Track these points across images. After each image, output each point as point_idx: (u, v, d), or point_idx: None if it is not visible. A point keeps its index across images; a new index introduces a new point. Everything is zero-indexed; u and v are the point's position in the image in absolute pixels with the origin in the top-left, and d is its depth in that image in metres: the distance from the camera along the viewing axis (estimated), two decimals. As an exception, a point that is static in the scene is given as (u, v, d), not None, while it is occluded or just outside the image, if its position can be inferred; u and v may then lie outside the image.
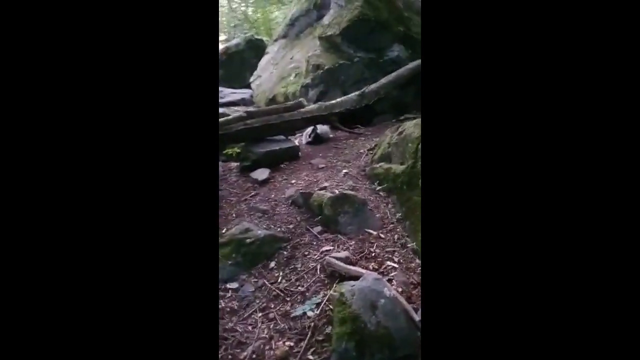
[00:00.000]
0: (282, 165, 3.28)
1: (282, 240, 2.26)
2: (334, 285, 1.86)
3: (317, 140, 3.85)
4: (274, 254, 2.19)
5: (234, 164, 3.46)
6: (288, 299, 1.85)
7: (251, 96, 6.96)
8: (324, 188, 2.72)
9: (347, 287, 1.68)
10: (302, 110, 3.70)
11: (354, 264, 1.96)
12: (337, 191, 2.64)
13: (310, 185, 2.82)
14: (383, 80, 4.33)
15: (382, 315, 1.47)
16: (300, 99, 3.57)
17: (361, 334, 1.43)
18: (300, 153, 3.49)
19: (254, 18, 13.20)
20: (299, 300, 1.83)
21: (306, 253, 2.17)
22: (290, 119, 3.57)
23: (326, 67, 4.69)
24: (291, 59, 5.94)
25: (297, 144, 3.62)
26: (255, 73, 7.21)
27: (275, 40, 7.28)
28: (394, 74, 4.40)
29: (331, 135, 4.01)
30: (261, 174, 3.03)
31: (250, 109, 3.56)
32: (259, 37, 9.23)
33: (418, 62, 4.36)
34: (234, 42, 9.52)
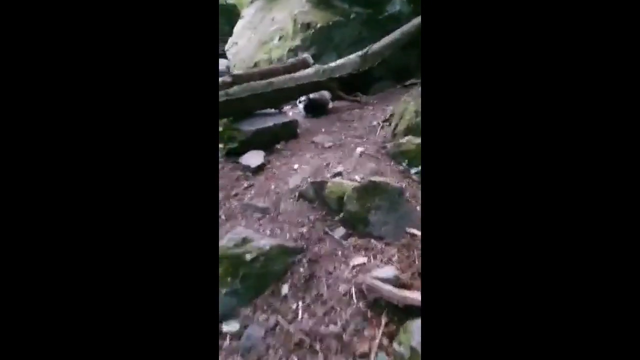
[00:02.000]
0: (278, 146, 2.60)
1: (294, 252, 1.63)
2: (384, 321, 1.27)
3: (316, 111, 3.18)
4: (285, 272, 1.56)
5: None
6: (318, 346, 1.24)
7: (227, 67, 6.11)
8: (339, 174, 2.08)
9: (412, 326, 1.10)
10: (296, 75, 2.99)
11: (408, 287, 1.36)
12: (358, 178, 2.01)
13: (319, 171, 2.18)
14: (387, 40, 3.63)
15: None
16: (305, 56, 2.80)
17: None
18: (298, 129, 2.81)
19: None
20: (335, 350, 1.22)
21: (331, 269, 1.55)
22: (283, 86, 2.86)
23: (318, 26, 3.93)
24: (272, 19, 5.11)
25: (292, 117, 2.93)
26: (230, 40, 6.32)
27: (251, 2, 6.36)
28: (397, 32, 3.70)
29: (330, 106, 3.33)
30: (253, 158, 2.35)
31: (236, 71, 2.77)
32: (231, 2, 8.18)
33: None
34: (202, 7, 8.46)
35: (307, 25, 3.99)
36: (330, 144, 2.56)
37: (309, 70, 3.12)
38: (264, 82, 2.81)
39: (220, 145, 2.61)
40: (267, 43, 4.80)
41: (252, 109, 2.77)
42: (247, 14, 6.30)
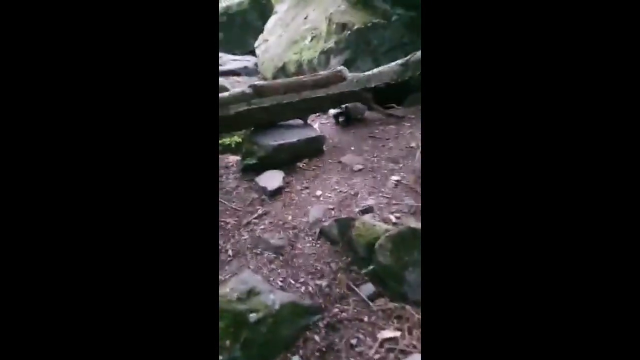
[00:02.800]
0: (300, 165, 2.30)
1: (309, 313, 1.33)
2: None
3: (347, 124, 2.85)
4: (296, 340, 1.26)
5: (233, 159, 2.48)
6: None
7: (255, 65, 5.87)
8: (369, 210, 1.76)
9: None
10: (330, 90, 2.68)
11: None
12: (393, 218, 1.68)
13: (345, 202, 1.86)
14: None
15: None
16: (341, 68, 2.39)
17: None
18: (324, 146, 2.49)
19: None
20: None
21: (353, 341, 1.24)
22: (311, 95, 2.55)
23: (355, 28, 3.59)
24: (305, 18, 4.80)
25: (319, 131, 2.61)
26: (260, 37, 6.08)
27: (285, -3, 6.08)
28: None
29: (360, 117, 2.99)
30: (271, 179, 2.06)
31: (257, 81, 2.44)
32: (265, -4, 7.93)
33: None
34: (236, 0, 8.26)
35: (343, 26, 3.66)
36: (361, 166, 2.23)
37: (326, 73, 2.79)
38: (292, 93, 2.51)
39: (237, 158, 2.33)
40: (298, 42, 4.50)
41: (275, 119, 2.48)
42: (280, 10, 6.02)
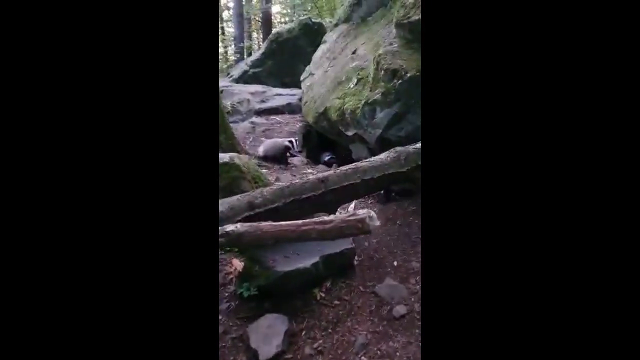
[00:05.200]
0: (318, 295, 1.66)
1: None
2: None
3: (386, 199, 2.17)
4: None
5: (237, 266, 1.93)
6: None
7: (300, 99, 5.40)
8: None
9: None
10: (363, 165, 2.04)
11: None
12: None
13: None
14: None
15: None
16: (364, 215, 1.36)
17: None
18: (356, 258, 1.83)
19: (317, -5, 11.46)
20: None
21: None
22: (341, 183, 1.93)
23: (407, 76, 2.89)
24: (353, 53, 4.19)
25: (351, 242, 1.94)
26: (307, 69, 5.60)
27: (335, 26, 5.54)
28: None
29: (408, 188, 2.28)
30: (268, 336, 1.46)
31: (237, 225, 1.59)
32: (318, 21, 7.52)
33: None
34: (286, 26, 7.97)
35: (393, 73, 2.97)
36: (404, 310, 1.53)
37: (384, 156, 2.13)
38: (314, 180, 1.91)
39: (234, 277, 1.77)
40: (343, 84, 3.90)
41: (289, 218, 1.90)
42: (329, 39, 5.49)
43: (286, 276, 1.63)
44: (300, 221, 1.07)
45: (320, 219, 1.07)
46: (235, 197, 1.77)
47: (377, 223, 1.05)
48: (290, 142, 3.98)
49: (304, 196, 1.86)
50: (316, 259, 1.67)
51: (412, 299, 1.57)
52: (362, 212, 1.05)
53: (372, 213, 1.02)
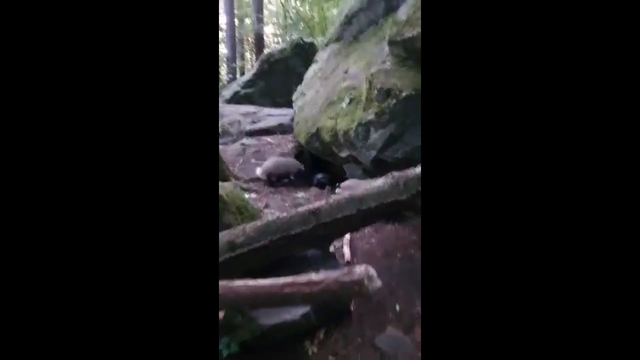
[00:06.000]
0: (310, 351, 1.43)
1: None
2: None
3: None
4: None
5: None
6: None
7: (292, 119, 5.26)
8: None
9: None
10: (359, 195, 1.84)
11: None
12: None
13: None
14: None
15: None
16: (362, 273, 0.97)
17: None
18: (352, 305, 1.61)
19: (309, 16, 11.56)
20: None
21: None
22: (336, 215, 1.74)
23: (402, 94, 2.73)
24: (345, 72, 4.07)
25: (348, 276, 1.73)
26: (298, 89, 5.49)
27: (327, 45, 5.46)
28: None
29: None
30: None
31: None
32: (310, 40, 7.48)
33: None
34: (278, 47, 7.93)
35: (387, 92, 2.83)
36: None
37: (382, 182, 1.94)
38: (304, 212, 1.71)
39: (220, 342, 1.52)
40: (335, 104, 3.75)
41: (278, 257, 1.68)
42: (320, 58, 5.40)
43: (273, 329, 1.41)
44: (282, 280, 0.88)
45: (307, 279, 0.87)
46: (214, 236, 1.56)
47: (379, 284, 0.85)
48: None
49: (292, 232, 1.65)
50: (307, 308, 1.45)
51: (419, 354, 1.35)
52: (359, 270, 0.85)
53: (372, 271, 0.83)
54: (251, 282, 0.88)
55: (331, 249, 2.01)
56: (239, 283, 0.88)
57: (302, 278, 0.87)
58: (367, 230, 2.28)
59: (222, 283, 0.91)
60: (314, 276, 0.89)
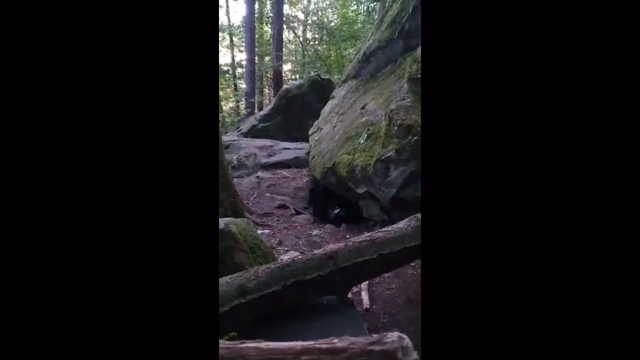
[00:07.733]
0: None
1: None
2: None
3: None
4: None
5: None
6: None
7: (308, 153, 5.23)
8: None
9: None
10: (377, 239, 1.71)
11: None
12: None
13: None
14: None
15: None
16: (395, 341, 0.66)
17: None
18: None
19: (326, 55, 11.96)
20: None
21: None
22: (350, 262, 1.60)
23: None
24: (362, 108, 4.05)
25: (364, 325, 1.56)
26: (315, 123, 5.52)
27: (344, 82, 5.53)
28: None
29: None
30: None
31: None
32: (326, 77, 7.63)
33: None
34: (296, 83, 8.12)
35: (408, 129, 2.76)
36: None
37: (404, 225, 1.81)
38: (321, 255, 1.58)
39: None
40: (353, 139, 3.70)
41: (293, 304, 1.54)
42: (338, 95, 5.46)
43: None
44: (299, 346, 0.75)
45: (329, 345, 0.74)
46: (224, 279, 1.44)
47: (415, 357, 0.70)
48: None
49: (308, 277, 1.52)
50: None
51: None
52: (391, 338, 0.71)
53: (407, 340, 0.69)
54: (263, 345, 0.76)
55: (349, 294, 1.86)
56: (249, 345, 0.76)
57: (323, 343, 0.74)
58: (387, 274, 2.12)
59: (228, 344, 0.79)
60: (337, 342, 0.76)
